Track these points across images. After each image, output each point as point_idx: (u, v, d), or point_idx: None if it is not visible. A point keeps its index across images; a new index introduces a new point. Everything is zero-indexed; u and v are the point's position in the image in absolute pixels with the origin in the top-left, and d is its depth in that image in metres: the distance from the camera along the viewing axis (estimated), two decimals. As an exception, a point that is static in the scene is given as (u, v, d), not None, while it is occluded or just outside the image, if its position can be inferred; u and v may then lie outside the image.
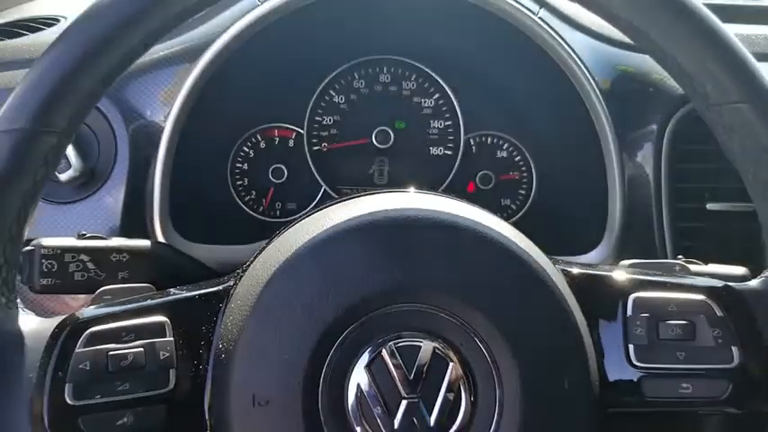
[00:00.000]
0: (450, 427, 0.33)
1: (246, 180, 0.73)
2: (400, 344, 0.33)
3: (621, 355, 0.37)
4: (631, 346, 0.37)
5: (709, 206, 0.52)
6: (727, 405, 0.35)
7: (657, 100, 0.55)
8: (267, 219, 0.73)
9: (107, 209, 0.57)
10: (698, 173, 0.53)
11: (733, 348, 0.35)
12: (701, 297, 0.36)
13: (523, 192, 0.73)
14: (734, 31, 0.36)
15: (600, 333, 0.37)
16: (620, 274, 0.39)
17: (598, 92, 0.56)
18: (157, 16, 0.36)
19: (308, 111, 0.72)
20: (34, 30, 0.67)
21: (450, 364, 0.33)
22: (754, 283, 0.37)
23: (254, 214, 0.73)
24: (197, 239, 0.60)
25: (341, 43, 0.71)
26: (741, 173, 0.37)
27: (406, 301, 0.34)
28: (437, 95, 0.74)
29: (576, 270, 0.38)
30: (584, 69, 0.56)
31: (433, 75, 0.73)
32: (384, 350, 0.33)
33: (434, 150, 0.74)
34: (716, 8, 0.37)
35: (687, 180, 0.54)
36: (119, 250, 0.49)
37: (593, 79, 0.56)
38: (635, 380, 0.36)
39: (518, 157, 0.73)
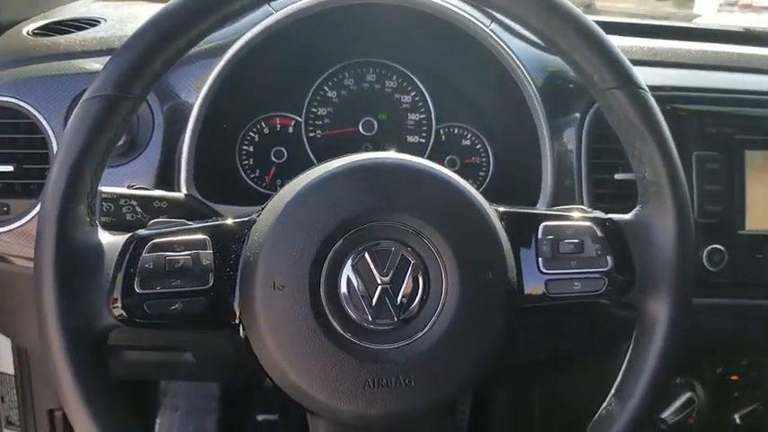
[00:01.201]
0: (412, 303, 0.47)
1: (252, 160, 0.87)
2: (377, 249, 0.48)
3: (534, 266, 0.52)
4: (540, 259, 0.51)
5: (617, 176, 0.68)
6: (603, 297, 0.51)
7: (578, 94, 0.71)
8: (269, 192, 0.87)
9: (144, 171, 0.71)
10: (610, 151, 0.69)
11: (608, 257, 0.51)
12: (588, 223, 0.52)
13: (483, 173, 0.89)
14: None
15: (520, 251, 0.52)
16: (534, 211, 0.54)
17: (534, 88, 0.71)
18: (207, 20, 0.50)
19: (306, 103, 0.87)
20: (81, 28, 0.81)
21: (412, 261, 0.48)
22: (627, 215, 0.53)
23: (259, 188, 0.87)
24: (215, 201, 0.73)
25: (335, 47, 0.85)
26: (620, 139, 0.53)
27: (383, 220, 0.48)
28: (414, 93, 0.89)
29: (501, 208, 0.53)
30: (524, 70, 0.71)
31: (411, 75, 0.88)
32: (366, 253, 0.48)
33: (411, 138, 0.89)
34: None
35: (601, 156, 0.70)
36: (160, 198, 0.63)
37: (530, 78, 0.72)
38: (543, 283, 0.51)
39: (479, 145, 0.89)
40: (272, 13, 0.71)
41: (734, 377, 0.80)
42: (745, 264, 0.69)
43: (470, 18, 0.72)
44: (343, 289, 0.47)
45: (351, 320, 0.47)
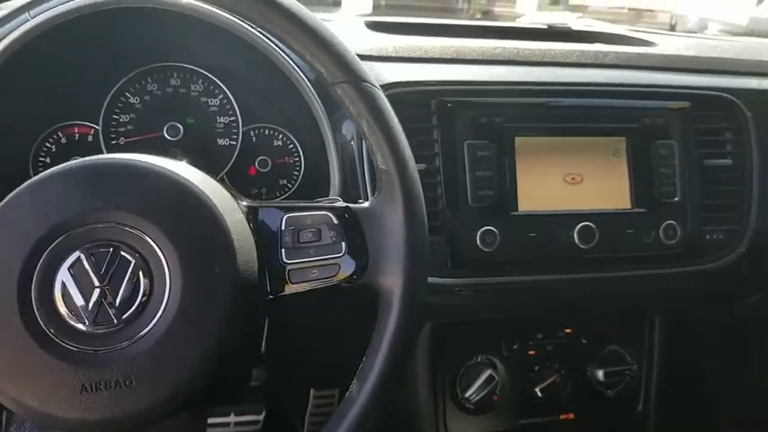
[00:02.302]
0: (133, 304, 0.47)
1: (51, 172, 0.83)
2: (94, 251, 0.47)
3: (277, 257, 0.53)
4: (283, 250, 0.52)
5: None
6: (339, 281, 0.52)
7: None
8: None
9: None
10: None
11: (342, 243, 0.52)
12: (325, 212, 0.53)
13: (297, 171, 0.90)
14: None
15: (264, 243, 0.52)
16: (277, 204, 0.55)
17: (309, 85, 0.73)
18: None
19: (103, 110, 0.84)
20: None
21: (133, 261, 0.47)
22: (365, 204, 0.55)
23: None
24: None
25: (132, 51, 0.83)
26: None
27: (99, 221, 0.47)
28: (221, 96, 0.89)
29: (245, 203, 0.54)
30: (296, 68, 0.73)
31: (216, 80, 0.88)
32: (82, 255, 0.47)
33: (221, 141, 0.89)
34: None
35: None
36: None
37: (304, 75, 0.73)
38: (285, 273, 0.52)
39: (290, 145, 0.90)
40: (29, 20, 0.69)
41: (531, 352, 0.85)
42: (519, 242, 0.73)
43: (242, 22, 0.73)
44: (58, 295, 0.46)
45: (67, 326, 0.46)
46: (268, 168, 0.89)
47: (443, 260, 0.73)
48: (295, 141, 0.89)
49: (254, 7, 0.51)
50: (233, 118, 0.89)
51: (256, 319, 0.52)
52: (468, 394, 0.82)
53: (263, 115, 0.89)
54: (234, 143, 0.89)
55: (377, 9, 1.31)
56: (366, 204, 0.55)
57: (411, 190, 0.53)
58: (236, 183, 0.88)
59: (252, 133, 0.89)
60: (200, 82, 0.88)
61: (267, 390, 0.97)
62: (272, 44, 0.73)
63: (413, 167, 0.53)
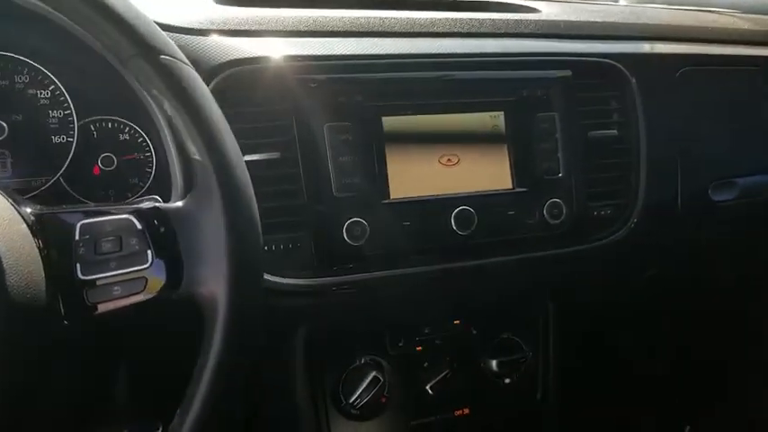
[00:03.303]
0: None
1: None
2: None
3: (72, 274, 0.43)
4: (78, 264, 0.43)
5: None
6: (150, 298, 0.43)
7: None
8: None
9: None
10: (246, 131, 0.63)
11: (148, 252, 0.44)
12: (127, 216, 0.44)
13: (149, 168, 0.79)
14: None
15: (55, 257, 0.43)
16: (72, 209, 0.45)
17: None
18: None
19: None
20: None
21: None
22: (179, 203, 0.46)
23: None
24: None
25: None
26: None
27: None
28: (53, 87, 0.76)
29: (29, 209, 0.44)
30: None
31: (42, 68, 0.76)
32: None
33: (56, 138, 0.77)
34: None
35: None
36: None
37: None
38: (82, 291, 0.43)
39: (140, 138, 0.79)
40: None
41: (418, 348, 0.79)
42: (391, 233, 0.66)
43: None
44: None
45: None
46: (114, 167, 0.78)
47: (308, 259, 0.65)
48: (143, 134, 0.79)
49: None
50: (67, 111, 0.77)
51: (53, 350, 0.42)
52: (352, 399, 0.75)
53: (103, 106, 0.77)
54: (70, 140, 0.77)
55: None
56: (179, 204, 0.46)
57: (231, 183, 0.44)
58: (77, 185, 0.77)
59: (92, 127, 0.78)
60: (25, 72, 0.75)
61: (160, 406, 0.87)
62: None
63: (235, 156, 0.45)
